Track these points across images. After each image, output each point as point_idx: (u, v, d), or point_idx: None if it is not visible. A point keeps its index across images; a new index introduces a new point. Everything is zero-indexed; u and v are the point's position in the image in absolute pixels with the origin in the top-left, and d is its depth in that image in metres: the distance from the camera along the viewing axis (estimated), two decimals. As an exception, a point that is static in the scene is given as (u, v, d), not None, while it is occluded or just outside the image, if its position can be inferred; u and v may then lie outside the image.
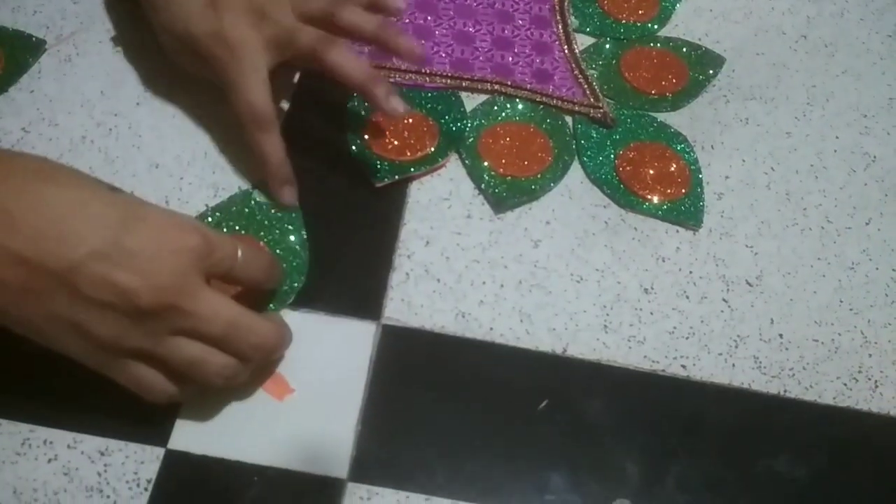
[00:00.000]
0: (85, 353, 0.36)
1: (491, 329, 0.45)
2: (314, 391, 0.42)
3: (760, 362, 0.45)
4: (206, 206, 0.47)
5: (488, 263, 0.47)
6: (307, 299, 0.44)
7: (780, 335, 0.46)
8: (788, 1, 0.63)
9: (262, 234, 0.46)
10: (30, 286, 0.34)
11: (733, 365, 0.45)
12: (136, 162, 0.49)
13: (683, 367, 0.45)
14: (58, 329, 0.35)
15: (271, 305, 0.44)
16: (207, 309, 0.36)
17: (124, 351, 0.36)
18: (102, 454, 0.39)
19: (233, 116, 0.46)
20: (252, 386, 0.41)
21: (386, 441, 0.41)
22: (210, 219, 0.46)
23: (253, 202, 0.47)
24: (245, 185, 0.48)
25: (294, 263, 0.45)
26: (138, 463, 0.39)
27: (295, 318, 0.43)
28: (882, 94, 0.58)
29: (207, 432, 0.40)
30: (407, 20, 0.57)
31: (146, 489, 0.38)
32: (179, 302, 0.35)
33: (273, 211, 0.47)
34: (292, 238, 0.46)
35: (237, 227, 0.46)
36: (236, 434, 0.40)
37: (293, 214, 0.47)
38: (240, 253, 0.38)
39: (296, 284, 0.44)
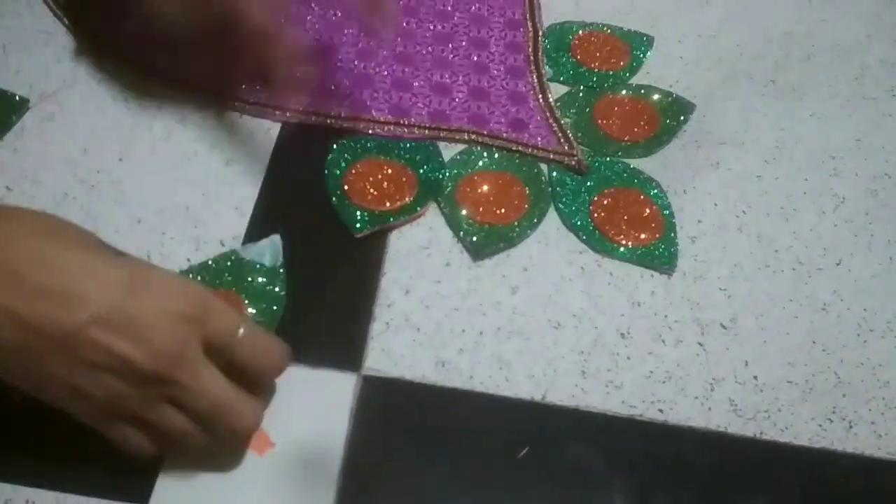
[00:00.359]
0: (80, 412, 0.37)
1: (471, 377, 0.45)
2: (295, 445, 0.42)
3: (736, 405, 0.46)
4: (188, 259, 0.48)
5: (467, 311, 0.48)
6: (288, 352, 0.45)
7: (755, 377, 0.47)
8: (756, 47, 0.65)
9: (243, 294, 0.46)
10: (30, 347, 0.35)
11: (709, 408, 0.46)
12: (118, 218, 0.49)
13: (661, 411, 0.45)
14: (55, 388, 0.36)
15: None
16: (199, 385, 0.37)
17: (118, 414, 0.37)
18: (84, 513, 0.39)
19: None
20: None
21: (368, 493, 0.41)
22: (191, 276, 0.47)
23: (233, 258, 0.48)
24: (226, 239, 0.49)
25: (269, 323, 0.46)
26: (120, 521, 0.39)
27: (276, 371, 0.44)
28: (850, 137, 0.60)
29: (189, 489, 0.40)
30: (385, 72, 0.58)
31: (128, 548, 0.39)
32: (175, 373, 0.36)
33: (258, 266, 0.47)
34: (270, 298, 0.46)
35: (217, 282, 0.47)
36: (217, 490, 0.40)
37: (276, 270, 0.47)
38: (241, 330, 0.39)
39: None
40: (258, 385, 0.41)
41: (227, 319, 0.38)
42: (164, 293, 0.37)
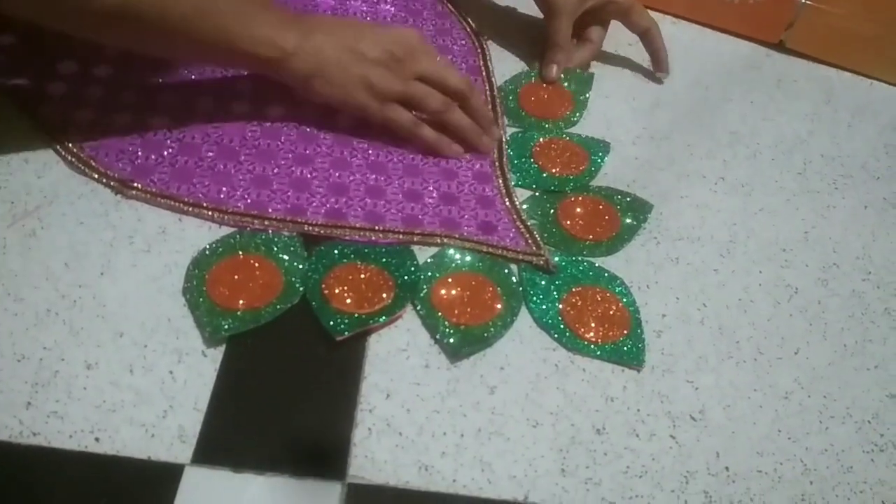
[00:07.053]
0: (369, 101, 0.60)
1: (454, 481, 0.46)
2: (283, 557, 0.42)
3: (711, 497, 0.47)
4: (170, 371, 0.49)
5: (448, 413, 0.49)
6: (271, 463, 0.46)
7: (727, 468, 0.49)
8: (706, 147, 0.69)
9: None
10: (341, 60, 0.58)
11: (685, 501, 0.47)
12: (100, 332, 0.50)
13: (639, 506, 0.47)
14: (355, 85, 0.59)
15: None
16: (439, 68, 0.62)
17: (391, 96, 0.60)
18: None
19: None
20: None
21: None
22: None
23: None
24: (206, 349, 0.50)
25: None
26: None
27: (260, 485, 0.44)
28: (798, 229, 0.64)
29: None
30: (360, 180, 0.60)
31: None
32: (420, 56, 0.61)
33: None
34: None
35: None
36: None
37: None
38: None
39: None
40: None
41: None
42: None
